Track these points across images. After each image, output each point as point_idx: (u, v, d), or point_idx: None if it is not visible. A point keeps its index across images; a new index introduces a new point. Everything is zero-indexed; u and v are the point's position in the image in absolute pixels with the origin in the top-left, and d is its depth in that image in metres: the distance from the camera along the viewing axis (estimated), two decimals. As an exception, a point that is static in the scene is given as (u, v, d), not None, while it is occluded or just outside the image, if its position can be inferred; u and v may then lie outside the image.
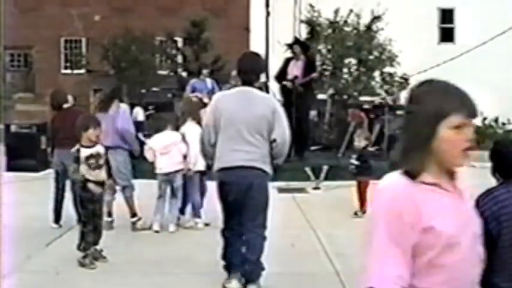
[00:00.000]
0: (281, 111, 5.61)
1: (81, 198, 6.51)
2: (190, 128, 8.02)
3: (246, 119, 5.46)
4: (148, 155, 8.07)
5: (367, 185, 8.82)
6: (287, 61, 12.17)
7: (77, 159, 6.44)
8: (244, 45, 21.50)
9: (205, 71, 12.89)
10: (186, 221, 8.16)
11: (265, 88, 12.18)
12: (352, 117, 12.87)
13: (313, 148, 13.49)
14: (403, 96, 13.29)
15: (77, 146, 6.51)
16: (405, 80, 13.49)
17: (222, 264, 5.75)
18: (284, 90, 12.09)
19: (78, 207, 7.47)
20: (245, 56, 5.95)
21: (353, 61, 17.56)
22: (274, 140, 5.47)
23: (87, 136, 6.51)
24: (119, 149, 7.78)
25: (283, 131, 5.52)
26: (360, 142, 9.16)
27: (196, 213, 8.12)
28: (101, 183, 6.53)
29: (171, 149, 7.96)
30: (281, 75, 12.10)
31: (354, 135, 9.61)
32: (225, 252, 5.73)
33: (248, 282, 5.65)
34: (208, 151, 5.67)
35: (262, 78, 13.29)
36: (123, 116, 7.98)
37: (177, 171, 7.96)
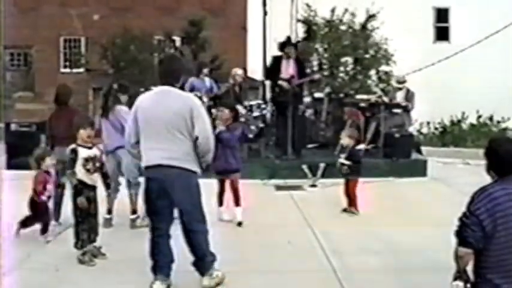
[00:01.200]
0: (201, 109, 5.54)
1: (75, 200, 6.44)
2: None
3: (162, 117, 5.43)
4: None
5: (356, 184, 8.84)
6: (277, 59, 12.00)
7: (73, 160, 6.41)
8: (242, 44, 21.48)
9: (205, 70, 12.79)
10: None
11: (262, 87, 12.15)
12: (349, 115, 12.90)
13: (310, 146, 13.38)
14: (399, 95, 13.26)
15: (73, 146, 6.47)
16: (401, 82, 13.44)
17: (150, 265, 5.65)
18: (277, 89, 11.91)
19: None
20: (164, 59, 6.02)
21: (349, 60, 17.57)
22: (197, 138, 5.42)
23: (80, 136, 6.49)
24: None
25: (203, 127, 5.45)
26: (344, 140, 9.14)
27: None
28: (94, 187, 6.53)
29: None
30: (274, 74, 11.96)
31: (342, 132, 9.61)
32: (152, 252, 5.64)
33: (203, 275, 5.65)
34: (131, 151, 5.73)
35: (259, 77, 13.27)
36: (123, 113, 7.90)
37: None
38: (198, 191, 5.60)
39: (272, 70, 12.04)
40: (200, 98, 12.46)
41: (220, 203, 8.32)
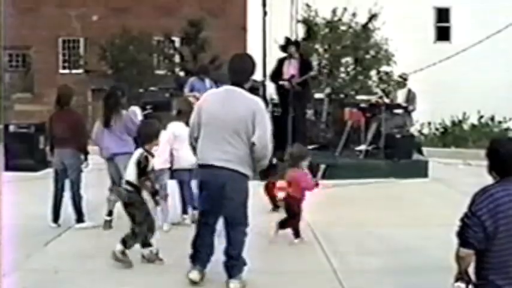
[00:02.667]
0: (264, 114, 5.59)
1: (134, 202, 6.42)
2: (179, 126, 7.98)
3: (224, 119, 5.50)
4: None
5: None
6: (281, 61, 12.12)
7: (145, 168, 6.36)
8: (241, 44, 21.49)
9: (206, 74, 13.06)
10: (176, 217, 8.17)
11: (262, 87, 12.17)
12: (349, 116, 12.92)
13: (310, 147, 13.21)
14: (400, 96, 13.28)
15: (145, 153, 6.42)
16: (404, 79, 13.43)
17: (189, 254, 5.83)
18: (280, 90, 12.06)
19: (79, 207, 7.77)
20: (236, 56, 5.96)
21: (350, 60, 17.59)
22: (253, 144, 5.48)
23: (153, 144, 6.52)
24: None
25: (262, 135, 5.49)
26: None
27: (184, 209, 8.18)
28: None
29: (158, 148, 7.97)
30: (276, 75, 12.05)
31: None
32: (194, 242, 5.82)
33: (231, 278, 5.70)
34: (193, 145, 5.78)
35: (259, 77, 13.33)
36: (133, 116, 8.07)
37: (162, 170, 7.83)
38: (246, 194, 5.70)
39: (274, 73, 12.12)
40: (199, 99, 12.59)
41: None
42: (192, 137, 5.78)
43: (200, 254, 5.78)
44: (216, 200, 5.61)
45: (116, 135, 7.79)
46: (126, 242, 6.30)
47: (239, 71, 5.70)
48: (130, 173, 6.42)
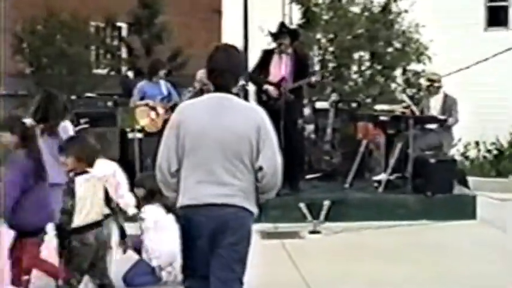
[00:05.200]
0: (269, 129, 5.64)
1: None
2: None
3: (219, 138, 5.53)
4: None
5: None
6: (266, 55, 12.22)
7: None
8: (215, 34, 21.56)
9: (161, 72, 13.08)
10: None
11: (243, 93, 12.26)
12: (364, 134, 13.01)
13: (309, 176, 13.58)
14: (434, 103, 13.29)
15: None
16: (431, 81, 13.47)
17: None
18: (263, 97, 12.09)
19: None
20: (219, 50, 5.86)
21: (365, 55, 17.62)
22: (261, 168, 5.53)
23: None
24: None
25: (272, 156, 5.57)
26: None
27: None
28: None
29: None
30: (258, 74, 12.16)
31: None
32: None
33: None
34: (168, 182, 5.71)
35: (241, 80, 13.42)
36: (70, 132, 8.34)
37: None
38: (250, 240, 5.72)
39: (257, 70, 12.21)
40: (154, 109, 12.70)
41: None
42: (167, 171, 5.70)
43: None
44: (210, 249, 5.61)
45: (53, 154, 7.81)
46: None
47: (226, 71, 5.70)
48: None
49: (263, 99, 12.02)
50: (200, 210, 5.56)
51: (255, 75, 12.24)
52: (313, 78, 12.11)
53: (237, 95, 6.04)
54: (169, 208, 8.08)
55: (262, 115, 5.68)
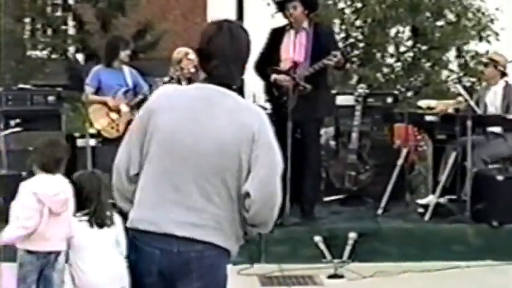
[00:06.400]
0: (269, 140, 5.54)
1: None
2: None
3: (196, 148, 5.46)
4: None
5: None
6: (276, 35, 12.26)
7: None
8: (198, 4, 21.48)
9: (124, 53, 12.97)
10: None
11: (240, 84, 12.11)
12: (403, 139, 12.81)
13: (328, 199, 13.64)
14: (491, 96, 13.17)
15: None
16: (494, 61, 13.19)
17: None
18: (273, 91, 12.22)
19: None
20: (221, 30, 5.72)
21: (404, 31, 17.50)
22: (248, 195, 5.44)
23: None
24: None
25: (264, 177, 5.48)
26: None
27: None
28: None
29: (64, 210, 8.18)
30: (266, 61, 12.15)
31: None
32: None
33: None
34: (124, 188, 5.72)
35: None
36: None
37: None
38: (223, 284, 5.66)
39: (263, 57, 12.26)
40: (114, 106, 12.47)
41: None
42: (124, 172, 5.71)
43: None
44: None
45: None
46: None
47: (233, 58, 5.62)
48: None
49: (275, 95, 12.25)
50: (155, 241, 5.49)
51: (262, 64, 12.21)
52: (335, 58, 11.87)
53: (236, 90, 5.89)
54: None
55: (262, 120, 5.57)
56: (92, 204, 7.99)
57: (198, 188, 5.45)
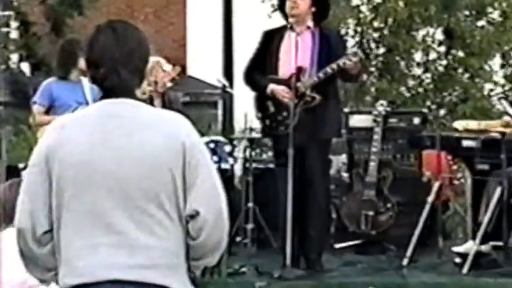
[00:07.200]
0: (202, 148, 5.80)
1: None
2: None
3: (118, 173, 5.61)
4: None
5: None
6: (269, 37, 12.62)
7: None
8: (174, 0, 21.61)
9: (82, 61, 12.51)
10: None
11: (222, 100, 12.05)
12: (435, 170, 12.60)
13: (339, 246, 13.90)
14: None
15: None
16: None
17: None
18: (268, 107, 12.42)
19: None
20: (102, 31, 5.88)
21: (435, 34, 17.62)
22: (196, 214, 5.63)
23: None
24: None
25: (210, 190, 5.75)
26: None
27: None
28: None
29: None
30: (259, 70, 12.55)
31: None
32: None
33: None
34: (31, 253, 5.82)
35: (220, 79, 13.23)
36: None
37: None
38: None
39: (254, 64, 12.73)
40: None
41: None
42: (31, 234, 5.76)
43: None
44: None
45: None
46: None
47: (120, 62, 5.71)
48: None
49: (270, 112, 12.33)
50: None
51: (254, 72, 12.65)
52: (348, 61, 12.06)
53: (144, 101, 6.22)
54: None
55: (187, 126, 5.82)
56: None
57: (133, 222, 5.66)
